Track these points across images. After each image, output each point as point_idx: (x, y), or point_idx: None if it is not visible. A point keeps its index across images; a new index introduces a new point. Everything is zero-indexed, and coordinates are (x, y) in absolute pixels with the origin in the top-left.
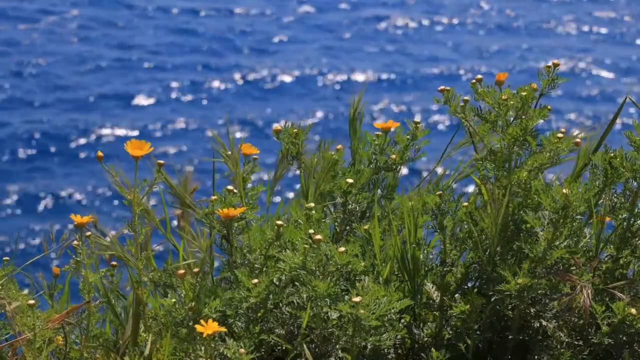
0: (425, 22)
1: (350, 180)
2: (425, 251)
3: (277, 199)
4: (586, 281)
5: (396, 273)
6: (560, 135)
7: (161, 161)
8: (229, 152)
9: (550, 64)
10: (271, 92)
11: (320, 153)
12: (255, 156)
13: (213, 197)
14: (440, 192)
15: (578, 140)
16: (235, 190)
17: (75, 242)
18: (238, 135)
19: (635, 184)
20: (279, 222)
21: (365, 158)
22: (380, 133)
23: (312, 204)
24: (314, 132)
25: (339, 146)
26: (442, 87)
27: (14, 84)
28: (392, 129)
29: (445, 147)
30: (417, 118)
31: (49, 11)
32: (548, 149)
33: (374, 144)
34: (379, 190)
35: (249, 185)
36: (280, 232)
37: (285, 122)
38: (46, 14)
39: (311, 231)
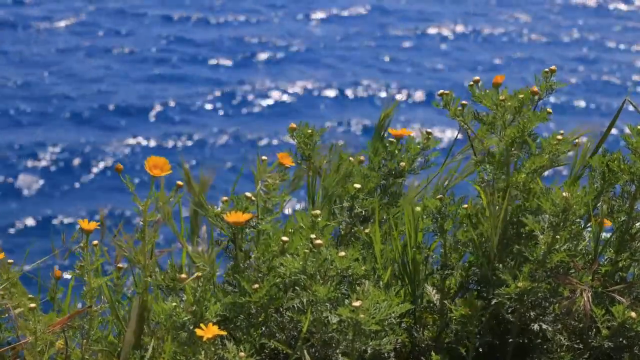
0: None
1: (357, 185)
2: (426, 255)
3: (298, 205)
4: (586, 285)
5: (397, 276)
6: (559, 137)
7: (180, 182)
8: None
9: (547, 69)
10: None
11: (330, 155)
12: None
13: (224, 198)
14: (441, 195)
15: (577, 141)
16: (253, 198)
17: (80, 246)
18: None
19: (633, 186)
20: (284, 238)
21: (376, 163)
22: (393, 140)
23: (318, 211)
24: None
25: (362, 157)
26: (442, 91)
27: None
28: (405, 137)
29: (447, 153)
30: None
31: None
32: (547, 151)
33: (386, 150)
34: (385, 197)
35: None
36: (285, 248)
37: (300, 122)
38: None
39: (312, 236)
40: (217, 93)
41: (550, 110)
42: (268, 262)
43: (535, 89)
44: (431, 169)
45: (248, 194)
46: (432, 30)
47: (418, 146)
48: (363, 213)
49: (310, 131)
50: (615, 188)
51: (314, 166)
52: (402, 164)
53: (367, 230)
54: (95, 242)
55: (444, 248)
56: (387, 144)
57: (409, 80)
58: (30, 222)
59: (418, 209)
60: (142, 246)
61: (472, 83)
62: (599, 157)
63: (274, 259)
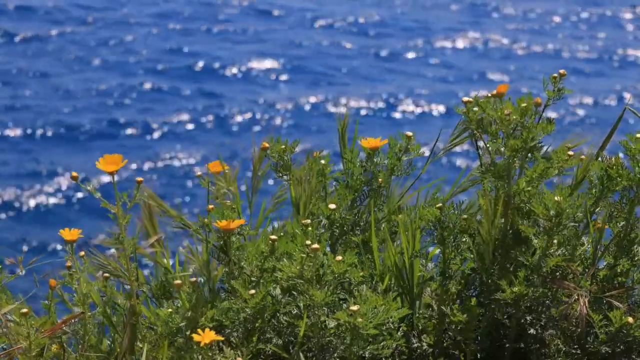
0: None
1: (332, 206)
2: (425, 262)
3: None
4: (583, 289)
5: (394, 284)
6: (570, 153)
7: (140, 178)
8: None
9: (556, 74)
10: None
11: (309, 166)
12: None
13: (210, 207)
14: (440, 204)
15: (583, 157)
16: (233, 205)
17: (67, 258)
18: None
19: (632, 192)
20: (273, 237)
21: (357, 173)
22: (371, 151)
23: (309, 220)
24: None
25: (323, 152)
26: (466, 98)
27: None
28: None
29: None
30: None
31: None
32: (556, 166)
33: (361, 165)
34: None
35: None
36: (274, 247)
37: (272, 138)
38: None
39: (308, 242)
40: (199, 107)
41: (554, 122)
42: (260, 264)
43: (539, 100)
44: (416, 176)
45: (228, 202)
46: (427, 41)
47: (399, 151)
48: (344, 229)
49: (283, 147)
50: (614, 194)
51: (294, 178)
52: (380, 180)
53: (357, 239)
54: (82, 252)
55: (443, 255)
56: (363, 162)
57: (400, 88)
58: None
59: (401, 216)
60: (124, 252)
61: (466, 101)
62: (597, 163)
63: (266, 261)
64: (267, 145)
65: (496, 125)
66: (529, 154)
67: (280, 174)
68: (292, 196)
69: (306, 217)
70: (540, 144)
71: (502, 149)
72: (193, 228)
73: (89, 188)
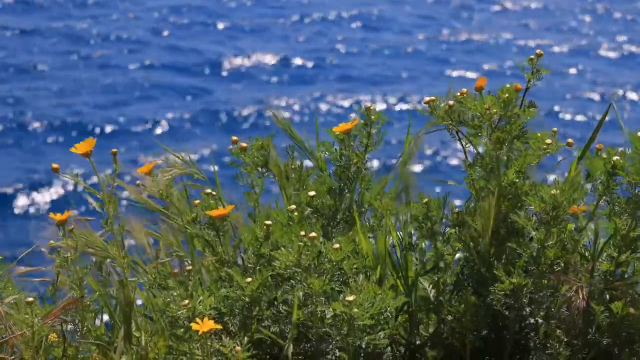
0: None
1: (312, 193)
2: (417, 255)
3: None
4: (583, 282)
5: (388, 274)
6: (549, 141)
7: (114, 149)
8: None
9: (533, 55)
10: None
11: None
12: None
13: (197, 201)
14: (426, 199)
15: (570, 140)
16: (214, 193)
17: (58, 241)
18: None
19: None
20: (268, 222)
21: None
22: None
23: (294, 206)
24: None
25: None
26: (428, 98)
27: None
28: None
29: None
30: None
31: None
32: (536, 154)
33: (335, 151)
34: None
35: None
36: (269, 232)
37: (250, 138)
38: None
39: (302, 233)
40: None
41: (536, 103)
42: (256, 250)
43: (519, 85)
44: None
45: (209, 190)
46: (428, 38)
47: (365, 126)
48: (325, 216)
49: (260, 143)
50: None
51: (278, 170)
52: (355, 161)
53: (348, 235)
54: (71, 227)
55: (435, 248)
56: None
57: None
58: None
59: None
60: (114, 238)
61: (427, 101)
62: (599, 161)
63: (262, 246)
64: (244, 145)
65: (477, 120)
66: (514, 141)
67: (263, 172)
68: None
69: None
70: (524, 131)
71: (487, 142)
72: (185, 221)
73: (67, 177)
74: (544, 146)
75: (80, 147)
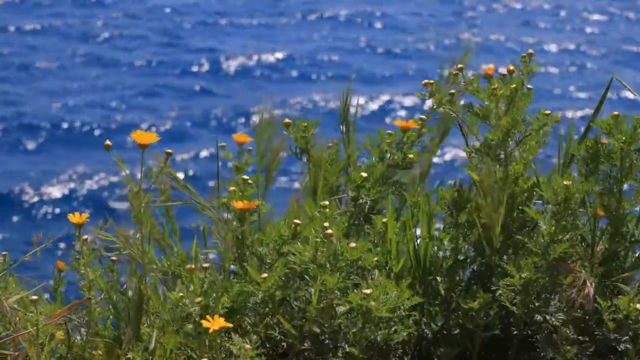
0: None
1: (364, 174)
2: (438, 247)
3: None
4: (590, 274)
5: (410, 268)
6: (547, 112)
7: (169, 150)
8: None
9: (525, 54)
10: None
11: (329, 146)
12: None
13: (232, 188)
14: (458, 188)
15: (556, 113)
16: (250, 181)
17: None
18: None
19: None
20: (297, 221)
21: (376, 155)
22: (391, 132)
23: (327, 202)
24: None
25: (335, 141)
26: (426, 80)
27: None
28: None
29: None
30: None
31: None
32: (537, 129)
33: (386, 141)
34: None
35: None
36: (297, 231)
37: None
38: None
39: (326, 224)
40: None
41: (532, 88)
42: (279, 248)
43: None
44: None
45: (245, 177)
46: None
47: (414, 133)
48: (368, 203)
49: (305, 124)
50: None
51: (313, 157)
52: (411, 156)
53: (384, 220)
54: (86, 236)
55: (456, 242)
56: (387, 136)
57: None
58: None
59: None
60: (140, 230)
61: (456, 72)
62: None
63: (284, 245)
64: (288, 121)
65: (486, 105)
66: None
67: (299, 155)
68: (311, 178)
69: (325, 193)
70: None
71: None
72: (207, 207)
73: (114, 159)
74: (544, 120)
75: (141, 137)
